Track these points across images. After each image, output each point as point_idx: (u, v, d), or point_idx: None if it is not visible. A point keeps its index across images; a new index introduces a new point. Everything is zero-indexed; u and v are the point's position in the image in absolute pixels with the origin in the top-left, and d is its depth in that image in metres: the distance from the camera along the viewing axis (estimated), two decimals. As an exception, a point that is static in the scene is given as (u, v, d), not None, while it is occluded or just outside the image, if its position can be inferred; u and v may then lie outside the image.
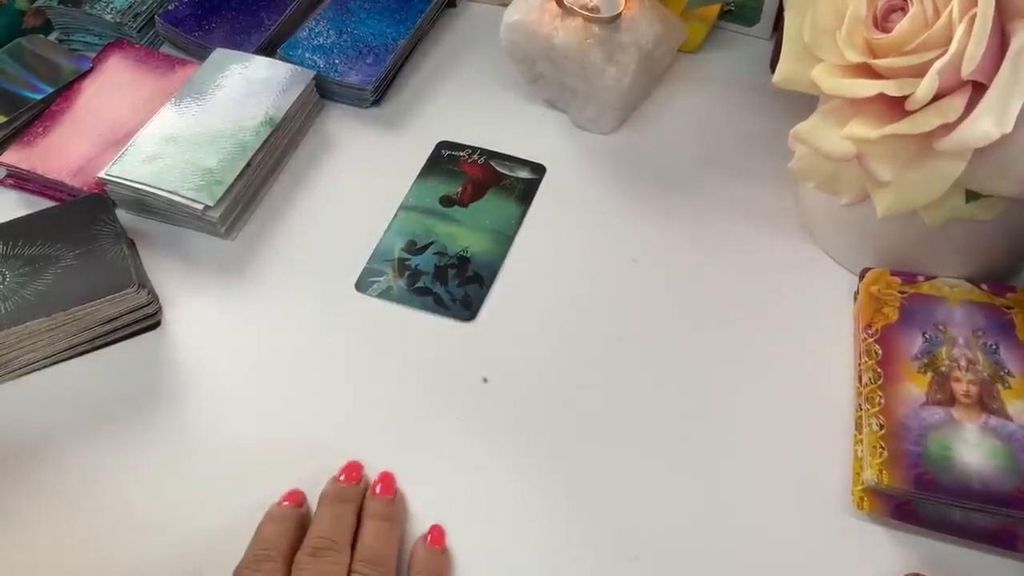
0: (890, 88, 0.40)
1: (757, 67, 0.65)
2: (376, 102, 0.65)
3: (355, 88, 0.64)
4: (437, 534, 0.43)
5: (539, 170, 0.60)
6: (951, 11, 0.38)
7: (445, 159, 0.61)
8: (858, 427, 0.44)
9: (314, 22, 0.68)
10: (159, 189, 0.55)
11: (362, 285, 0.54)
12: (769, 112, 0.61)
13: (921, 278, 0.48)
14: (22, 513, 0.45)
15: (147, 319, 0.52)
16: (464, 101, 0.65)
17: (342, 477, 0.45)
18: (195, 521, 0.44)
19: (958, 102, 0.39)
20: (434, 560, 0.42)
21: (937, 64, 0.38)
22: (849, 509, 0.43)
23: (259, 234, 0.57)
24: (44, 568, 0.43)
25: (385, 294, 0.54)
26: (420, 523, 0.44)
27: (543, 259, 0.55)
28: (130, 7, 0.68)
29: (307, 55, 0.65)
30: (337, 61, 0.65)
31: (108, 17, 0.68)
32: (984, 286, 0.47)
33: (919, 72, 0.39)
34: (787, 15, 0.46)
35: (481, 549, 0.43)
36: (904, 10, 0.41)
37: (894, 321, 0.46)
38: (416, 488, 0.45)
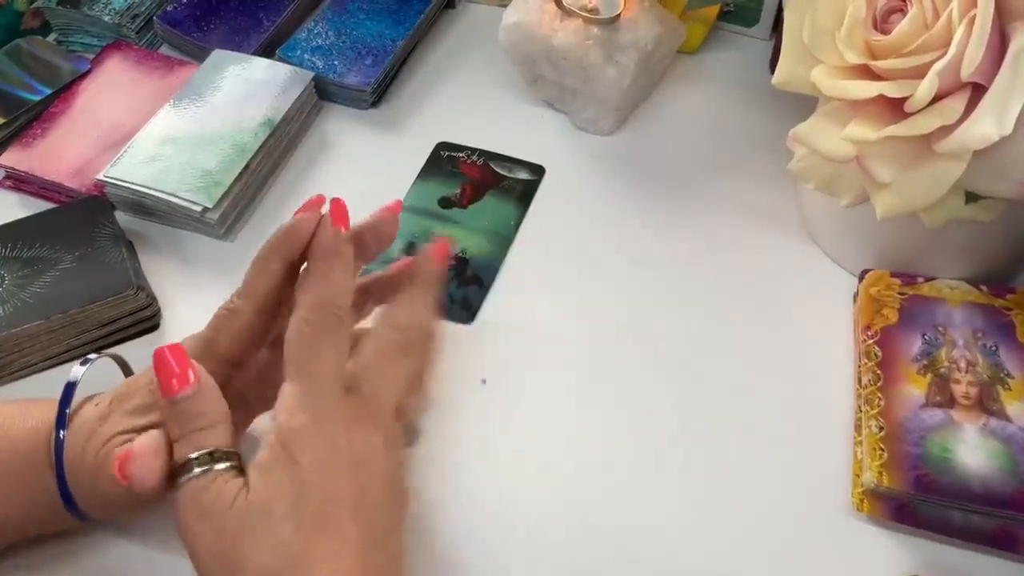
0: (890, 90, 0.40)
1: (757, 68, 0.65)
2: (375, 103, 0.65)
3: (354, 89, 0.64)
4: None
5: (538, 171, 0.60)
6: (951, 12, 0.38)
7: (444, 160, 0.61)
8: (858, 429, 0.44)
9: (313, 23, 0.68)
10: (158, 191, 0.55)
11: (361, 287, 0.54)
12: (769, 113, 0.61)
13: (921, 279, 0.48)
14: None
15: (146, 321, 0.52)
16: (463, 102, 0.65)
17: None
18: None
19: (958, 104, 0.39)
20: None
21: (937, 66, 0.38)
22: (849, 511, 0.43)
23: (258, 235, 0.57)
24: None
25: (384, 296, 0.53)
26: (417, 521, 0.43)
27: (542, 261, 0.55)
28: (129, 8, 0.68)
29: (306, 56, 0.65)
30: (336, 62, 0.65)
31: (107, 18, 0.68)
32: (984, 287, 0.47)
33: (919, 74, 0.39)
34: (786, 16, 0.46)
35: (475, 550, 0.43)
36: (904, 11, 0.41)
37: (894, 323, 0.46)
38: (415, 489, 0.45)
